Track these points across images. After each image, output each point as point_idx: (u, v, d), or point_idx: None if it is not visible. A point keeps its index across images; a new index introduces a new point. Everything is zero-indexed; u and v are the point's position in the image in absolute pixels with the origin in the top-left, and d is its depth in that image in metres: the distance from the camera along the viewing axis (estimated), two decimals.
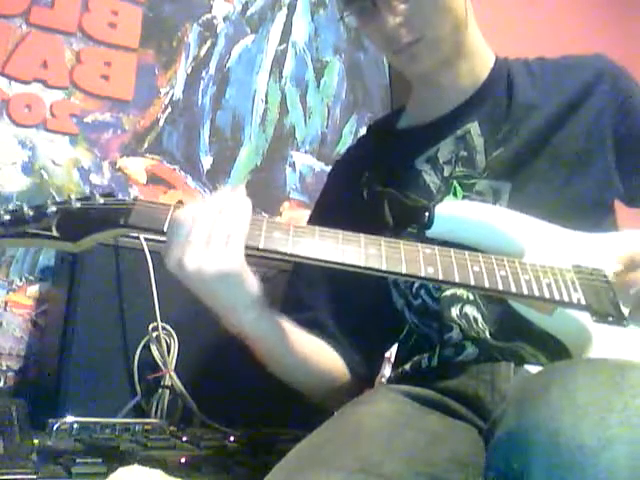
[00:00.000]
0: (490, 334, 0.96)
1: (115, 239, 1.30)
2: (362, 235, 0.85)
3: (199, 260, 0.79)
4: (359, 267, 0.83)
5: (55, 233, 0.80)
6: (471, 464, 0.80)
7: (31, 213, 0.80)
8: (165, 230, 0.82)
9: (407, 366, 1.04)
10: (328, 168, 1.97)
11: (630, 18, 2.56)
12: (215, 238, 0.80)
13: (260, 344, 0.94)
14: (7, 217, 0.80)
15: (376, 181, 1.07)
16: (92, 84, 1.73)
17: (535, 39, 1.91)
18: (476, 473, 0.79)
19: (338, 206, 1.11)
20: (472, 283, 0.84)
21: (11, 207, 0.81)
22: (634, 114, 1.07)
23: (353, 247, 0.84)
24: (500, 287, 0.84)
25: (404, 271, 0.83)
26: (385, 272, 0.84)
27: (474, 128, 1.06)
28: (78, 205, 0.82)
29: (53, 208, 0.81)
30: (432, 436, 0.84)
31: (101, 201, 0.83)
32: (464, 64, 1.08)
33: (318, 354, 1.02)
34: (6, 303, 1.56)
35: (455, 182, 1.04)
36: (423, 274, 0.83)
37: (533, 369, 0.75)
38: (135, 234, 1.28)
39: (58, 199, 0.83)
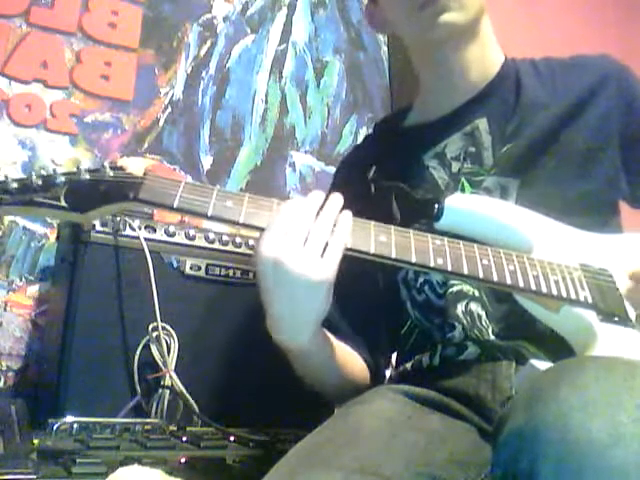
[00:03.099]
0: (493, 332, 0.96)
1: (115, 239, 1.30)
2: (373, 222, 0.85)
3: (303, 264, 0.80)
4: (368, 254, 0.83)
5: (63, 203, 0.80)
6: (471, 464, 0.80)
7: (39, 182, 0.80)
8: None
9: (408, 365, 1.04)
10: (328, 168, 1.99)
11: (630, 18, 2.56)
12: (314, 245, 0.81)
13: (309, 358, 0.94)
14: (14, 185, 0.79)
15: (383, 177, 1.07)
16: (92, 84, 1.74)
17: (535, 39, 1.91)
18: (476, 473, 0.80)
19: (345, 203, 1.11)
20: (480, 276, 0.84)
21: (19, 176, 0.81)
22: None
23: (363, 234, 0.84)
24: (508, 282, 0.84)
25: (413, 260, 0.83)
26: (394, 260, 0.83)
27: (482, 124, 1.06)
28: (87, 177, 0.82)
29: (62, 178, 0.81)
30: (432, 436, 0.84)
31: (111, 174, 0.83)
32: (476, 51, 1.07)
33: (350, 361, 1.03)
34: (6, 303, 1.56)
35: (463, 178, 1.04)
36: (432, 264, 0.83)
37: (538, 363, 0.74)
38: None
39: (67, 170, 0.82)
